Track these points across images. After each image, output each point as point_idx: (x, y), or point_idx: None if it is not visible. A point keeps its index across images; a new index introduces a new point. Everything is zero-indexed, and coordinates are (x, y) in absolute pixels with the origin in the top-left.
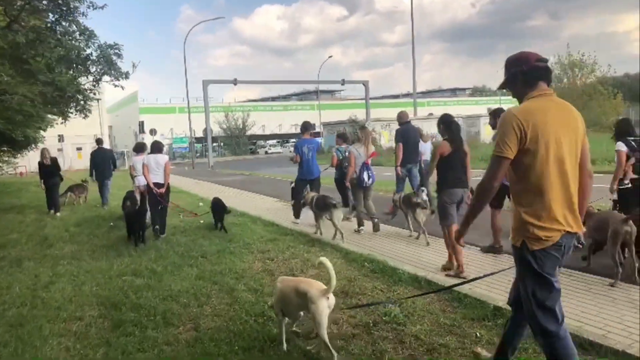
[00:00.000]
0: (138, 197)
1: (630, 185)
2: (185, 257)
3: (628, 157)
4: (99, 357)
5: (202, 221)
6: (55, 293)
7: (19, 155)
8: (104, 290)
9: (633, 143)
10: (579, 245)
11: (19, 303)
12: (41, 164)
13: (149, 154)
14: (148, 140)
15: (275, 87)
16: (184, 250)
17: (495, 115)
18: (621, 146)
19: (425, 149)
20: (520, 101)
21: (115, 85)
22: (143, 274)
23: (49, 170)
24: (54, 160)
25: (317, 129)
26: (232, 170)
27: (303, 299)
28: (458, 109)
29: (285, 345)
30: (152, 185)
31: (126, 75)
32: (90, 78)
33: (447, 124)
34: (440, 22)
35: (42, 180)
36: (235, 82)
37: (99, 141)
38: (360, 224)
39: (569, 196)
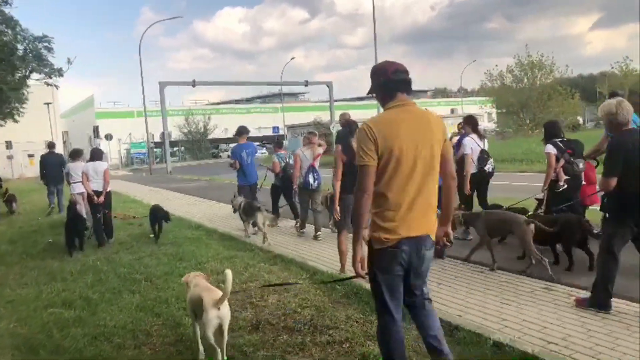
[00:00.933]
0: (81, 204)
1: (565, 186)
2: (128, 280)
3: (558, 159)
4: None
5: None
6: None
7: None
8: (23, 327)
9: (561, 144)
10: (448, 243)
11: None
12: None
13: (88, 161)
14: (104, 145)
15: (238, 91)
16: (126, 271)
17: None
18: (550, 149)
19: None
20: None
21: (48, 84)
22: (75, 304)
23: None
24: None
25: (281, 132)
26: (192, 175)
27: (201, 304)
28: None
29: (202, 354)
30: (91, 193)
31: (59, 72)
32: (17, 75)
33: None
34: (401, 25)
35: None
36: (194, 83)
37: (50, 145)
38: (317, 229)
39: (420, 201)
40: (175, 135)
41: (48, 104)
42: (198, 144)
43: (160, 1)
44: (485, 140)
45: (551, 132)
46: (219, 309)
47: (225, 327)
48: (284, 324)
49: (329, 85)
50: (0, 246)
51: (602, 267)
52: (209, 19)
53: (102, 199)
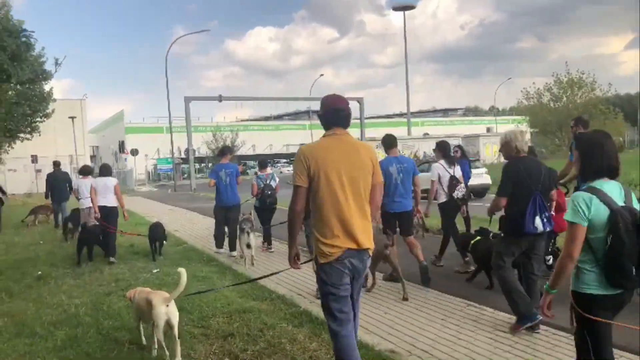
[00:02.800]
0: (89, 218)
1: None
2: (108, 341)
3: None
4: None
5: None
6: None
7: None
8: None
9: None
10: None
11: None
12: None
13: (98, 176)
14: (129, 160)
15: (268, 108)
16: (111, 325)
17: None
18: None
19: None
20: None
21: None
22: None
23: None
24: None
25: None
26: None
27: (150, 306)
28: (452, 129)
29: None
30: (95, 209)
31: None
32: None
33: None
34: (430, 44)
35: None
36: (220, 98)
37: (56, 163)
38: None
39: (352, 219)
40: (203, 151)
41: (72, 118)
42: None
43: (192, 20)
44: (458, 167)
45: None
46: (167, 306)
47: (175, 326)
48: None
49: (360, 101)
50: None
51: (502, 283)
52: (240, 38)
53: (116, 211)
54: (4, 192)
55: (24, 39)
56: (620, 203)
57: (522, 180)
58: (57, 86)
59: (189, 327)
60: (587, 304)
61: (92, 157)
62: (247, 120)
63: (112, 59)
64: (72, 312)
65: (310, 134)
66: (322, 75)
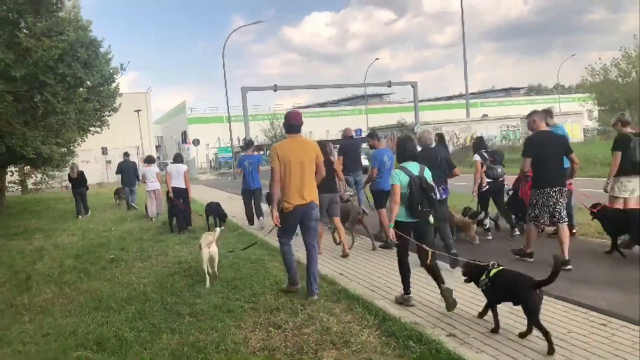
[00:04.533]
0: (153, 198)
1: (488, 187)
2: (171, 314)
3: (482, 165)
4: None
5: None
6: None
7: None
8: None
9: (485, 154)
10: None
11: None
12: (70, 176)
13: (171, 163)
14: (192, 150)
15: (324, 94)
16: (174, 301)
17: (370, 136)
18: (477, 157)
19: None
20: None
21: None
22: (107, 344)
23: (77, 181)
24: (81, 174)
25: (363, 134)
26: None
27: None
28: (513, 110)
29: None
30: (170, 190)
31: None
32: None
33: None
34: (491, 21)
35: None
36: (275, 88)
37: (125, 154)
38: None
39: (301, 186)
40: (261, 139)
41: (138, 111)
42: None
43: (250, 10)
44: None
45: (478, 146)
46: (209, 248)
47: (215, 259)
48: None
49: (414, 85)
50: (65, 261)
51: None
52: (297, 24)
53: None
54: (85, 181)
55: (93, 49)
56: (416, 174)
57: (425, 164)
58: (123, 79)
59: (240, 302)
60: (398, 226)
61: (157, 147)
62: (304, 107)
63: (175, 51)
64: (140, 290)
65: (366, 118)
66: (377, 59)
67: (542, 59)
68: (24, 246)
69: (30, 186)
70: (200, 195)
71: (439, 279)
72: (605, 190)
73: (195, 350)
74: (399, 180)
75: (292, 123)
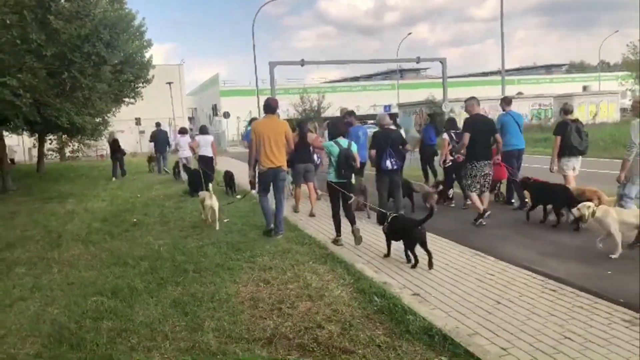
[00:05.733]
0: (185, 164)
1: (451, 163)
2: (178, 270)
3: (449, 144)
4: None
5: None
6: (12, 316)
7: (100, 139)
8: (65, 315)
9: (453, 135)
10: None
11: None
12: (109, 143)
13: (198, 134)
14: (223, 122)
15: (359, 68)
16: (183, 260)
17: (348, 114)
18: (445, 136)
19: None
20: None
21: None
22: (121, 293)
23: (113, 148)
24: (116, 141)
25: (394, 110)
26: None
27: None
28: (551, 88)
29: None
30: (198, 158)
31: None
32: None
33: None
34: None
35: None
36: (302, 62)
37: (157, 124)
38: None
39: (272, 154)
40: (291, 113)
41: (170, 83)
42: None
43: None
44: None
45: (450, 126)
46: (210, 200)
47: (216, 209)
48: (301, 340)
49: (442, 61)
50: (92, 224)
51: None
52: None
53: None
54: (119, 146)
55: (116, 31)
56: (345, 147)
57: (380, 141)
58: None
59: (240, 262)
60: (330, 186)
61: (190, 119)
62: (335, 81)
63: (212, 23)
64: (155, 249)
65: (397, 94)
66: (410, 33)
67: (587, 35)
68: (58, 209)
69: (67, 154)
70: (225, 167)
71: (352, 221)
72: (551, 170)
73: (194, 299)
74: (331, 150)
75: (268, 104)
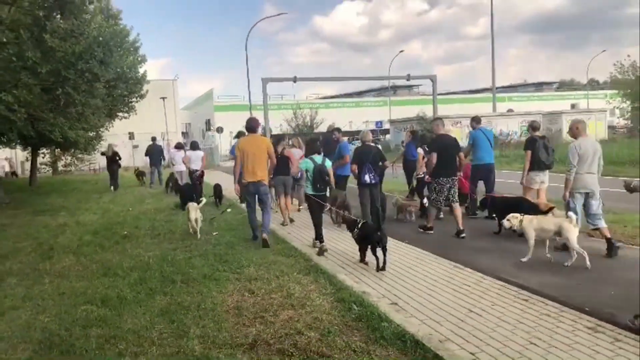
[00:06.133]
0: (179, 178)
1: (423, 176)
2: (166, 281)
3: (423, 158)
4: None
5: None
6: (4, 323)
7: (93, 153)
8: (55, 323)
9: (427, 148)
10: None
11: None
12: (106, 155)
13: (189, 150)
14: (216, 137)
15: (351, 84)
16: (171, 271)
17: (337, 130)
18: (420, 150)
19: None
20: None
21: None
22: (110, 302)
23: (112, 159)
24: (115, 153)
25: (386, 126)
26: None
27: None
28: (541, 105)
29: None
30: (191, 170)
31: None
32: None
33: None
34: (527, 13)
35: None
36: (295, 79)
37: (152, 138)
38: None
39: (254, 169)
40: (285, 128)
41: (163, 98)
42: (304, 138)
43: None
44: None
45: (424, 141)
46: (195, 212)
47: (199, 220)
48: (281, 345)
49: (433, 79)
50: (84, 236)
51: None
52: (328, 13)
53: (199, 172)
54: (119, 158)
55: (110, 49)
56: (319, 163)
57: (361, 156)
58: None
59: (226, 273)
60: (307, 197)
61: (184, 134)
62: (327, 97)
63: (206, 39)
64: (145, 260)
65: (389, 110)
66: (401, 51)
67: (577, 53)
68: (50, 222)
69: (60, 168)
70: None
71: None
72: (521, 184)
73: (180, 308)
74: (307, 166)
75: (251, 125)
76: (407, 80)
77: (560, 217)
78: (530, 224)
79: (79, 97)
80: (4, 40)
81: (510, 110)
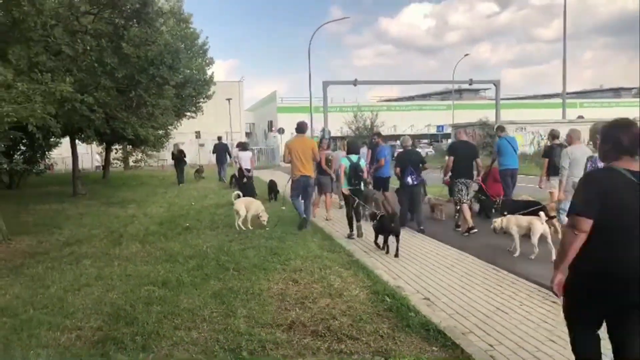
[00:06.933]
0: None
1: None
2: (221, 268)
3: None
4: None
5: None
6: (80, 298)
7: (161, 150)
8: (122, 299)
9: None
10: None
11: (41, 306)
12: (173, 153)
13: (242, 150)
14: (278, 138)
15: (417, 87)
16: (226, 260)
17: (377, 135)
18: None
19: None
20: None
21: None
22: (170, 284)
23: (178, 157)
24: (181, 151)
25: (447, 130)
26: None
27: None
28: (616, 112)
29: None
30: (243, 168)
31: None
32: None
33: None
34: (605, 14)
35: (174, 164)
36: (355, 82)
37: (219, 138)
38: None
39: (302, 164)
40: (345, 131)
41: (229, 99)
42: (364, 140)
43: (348, 0)
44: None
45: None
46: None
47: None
48: (315, 328)
49: (496, 83)
50: (150, 227)
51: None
52: (394, 16)
53: (250, 172)
54: (184, 156)
55: (179, 56)
56: (355, 161)
57: (404, 160)
58: (221, 67)
59: (274, 264)
60: (343, 192)
61: (248, 134)
62: (390, 100)
63: (272, 40)
64: (203, 250)
65: (452, 114)
66: (467, 55)
67: None
68: (120, 213)
69: (131, 163)
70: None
71: (357, 219)
72: (539, 187)
73: (231, 292)
74: (345, 163)
75: (299, 126)
76: (470, 84)
77: (534, 216)
78: (509, 222)
79: (149, 99)
80: (88, 47)
81: (580, 117)
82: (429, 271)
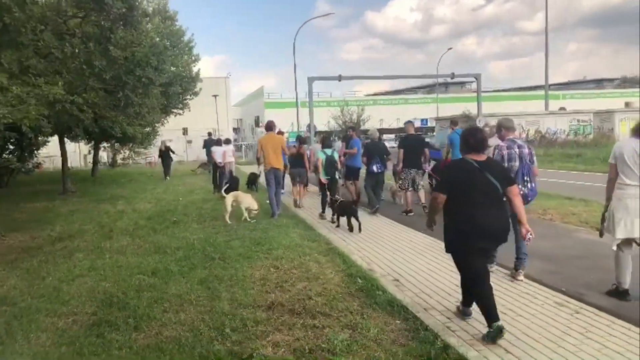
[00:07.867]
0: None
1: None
2: (207, 258)
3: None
4: (55, 356)
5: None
6: (74, 287)
7: (150, 147)
8: (114, 287)
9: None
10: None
11: (38, 295)
12: (160, 150)
13: (215, 146)
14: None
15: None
16: (212, 251)
17: (352, 129)
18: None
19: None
20: None
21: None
22: (159, 273)
23: (165, 154)
24: (168, 148)
25: (431, 124)
26: None
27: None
28: (597, 103)
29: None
30: (217, 162)
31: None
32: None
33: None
34: (589, 6)
35: (161, 160)
36: (339, 78)
37: (209, 133)
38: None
39: (274, 159)
40: (332, 125)
41: (215, 96)
42: (338, 135)
43: None
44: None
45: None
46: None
47: (243, 207)
48: (292, 307)
49: (477, 77)
50: (139, 221)
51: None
52: (380, 9)
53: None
54: (173, 152)
55: (162, 57)
56: (329, 154)
57: (372, 150)
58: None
59: (258, 254)
60: (320, 181)
61: (235, 130)
62: (377, 94)
63: (258, 36)
64: (190, 242)
65: (437, 107)
66: (450, 49)
67: None
68: (110, 209)
69: (119, 161)
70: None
71: (333, 210)
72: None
73: (216, 279)
74: (322, 156)
75: (268, 125)
76: (452, 78)
77: None
78: None
79: (136, 99)
80: (76, 50)
81: (562, 109)
82: (401, 255)
